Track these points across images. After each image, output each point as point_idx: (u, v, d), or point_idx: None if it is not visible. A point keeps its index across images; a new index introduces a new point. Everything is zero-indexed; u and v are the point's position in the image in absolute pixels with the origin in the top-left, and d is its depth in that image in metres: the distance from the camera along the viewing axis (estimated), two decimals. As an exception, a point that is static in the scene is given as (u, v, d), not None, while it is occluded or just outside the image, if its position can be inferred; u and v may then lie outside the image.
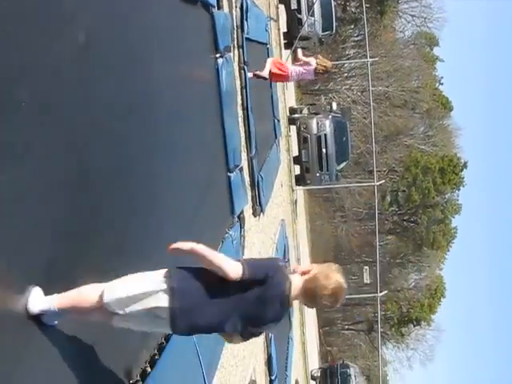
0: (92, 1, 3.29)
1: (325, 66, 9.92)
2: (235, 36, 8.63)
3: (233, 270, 3.19)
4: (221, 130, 6.83)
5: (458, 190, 41.38)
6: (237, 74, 8.33)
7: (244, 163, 8.27)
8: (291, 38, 21.42)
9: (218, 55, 6.75)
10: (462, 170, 39.70)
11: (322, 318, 42.70)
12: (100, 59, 3.29)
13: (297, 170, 21.57)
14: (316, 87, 36.47)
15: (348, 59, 36.63)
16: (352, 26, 38.82)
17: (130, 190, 3.70)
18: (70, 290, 3.03)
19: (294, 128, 20.95)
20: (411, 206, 40.90)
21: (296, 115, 21.30)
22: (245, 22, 9.23)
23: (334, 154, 20.08)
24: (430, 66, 43.00)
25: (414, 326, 42.09)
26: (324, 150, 19.87)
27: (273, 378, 9.45)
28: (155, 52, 4.51)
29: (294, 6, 22.09)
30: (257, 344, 8.41)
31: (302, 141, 20.21)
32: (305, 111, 22.20)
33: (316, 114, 21.12)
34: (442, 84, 44.79)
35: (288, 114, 20.57)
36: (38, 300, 2.93)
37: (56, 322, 3.00)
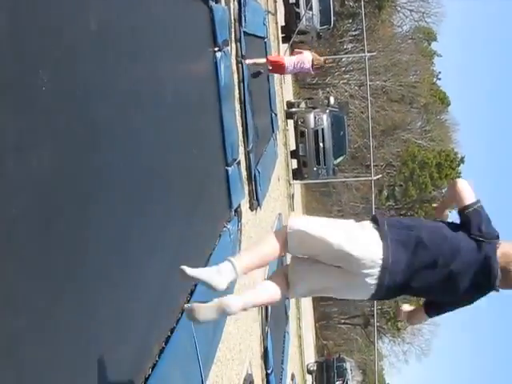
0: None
1: (318, 62, 10.29)
2: (233, 30, 8.62)
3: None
4: (219, 123, 6.83)
5: (455, 185, 41.43)
6: (234, 67, 8.33)
7: (241, 157, 8.28)
8: (289, 32, 21.42)
9: (216, 49, 6.75)
10: (458, 165, 39.75)
11: (318, 311, 42.80)
12: (91, 55, 3.28)
13: (294, 164, 21.58)
14: (314, 81, 36.47)
15: (346, 53, 36.63)
16: (350, 21, 38.81)
17: (127, 184, 3.71)
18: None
19: (291, 122, 20.96)
20: (408, 200, 40.96)
21: (293, 109, 21.32)
22: (243, 16, 9.23)
23: (331, 148, 20.10)
24: (427, 61, 43.03)
25: (410, 320, 42.15)
26: (321, 145, 19.90)
27: (269, 371, 9.47)
28: (152, 45, 4.51)
29: (292, -1, 22.10)
30: (253, 338, 8.44)
31: (300, 135, 20.23)
32: (302, 105, 22.21)
33: (313, 108, 21.15)
34: (439, 79, 44.87)
35: (285, 108, 20.58)
36: None
37: None
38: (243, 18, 9.23)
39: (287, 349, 13.33)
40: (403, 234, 3.08)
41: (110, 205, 3.36)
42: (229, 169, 7.04)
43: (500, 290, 3.17)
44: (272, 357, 9.61)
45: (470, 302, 3.25)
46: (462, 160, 39.93)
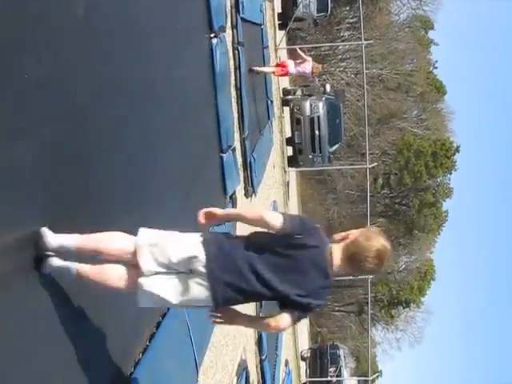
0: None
1: (317, 70, 12.66)
2: (229, 16, 8.59)
3: (275, 218, 3.17)
4: (214, 110, 6.82)
5: (450, 173, 41.49)
6: (231, 54, 8.30)
7: (237, 144, 8.27)
8: (286, 19, 21.33)
9: (212, 35, 6.73)
10: (454, 154, 39.75)
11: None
12: (93, 37, 3.28)
13: (289, 151, 21.56)
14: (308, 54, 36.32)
15: (342, 41, 36.52)
16: (347, 8, 38.64)
17: (122, 171, 3.71)
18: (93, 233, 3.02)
19: (287, 109, 20.91)
20: (403, 189, 41.02)
21: (289, 97, 21.25)
22: (239, 2, 9.19)
23: (326, 135, 20.07)
24: (424, 50, 42.92)
25: (404, 308, 42.39)
26: (317, 132, 19.86)
27: (263, 357, 9.52)
28: (149, 31, 4.50)
29: (289, -14, 21.99)
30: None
31: (295, 122, 20.18)
32: (298, 93, 22.14)
33: (309, 95, 21.08)
34: (436, 68, 44.75)
35: (281, 96, 20.53)
36: (57, 236, 2.90)
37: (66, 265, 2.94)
38: (240, 5, 9.19)
39: (281, 335, 13.39)
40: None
41: (106, 193, 3.37)
42: (224, 155, 7.05)
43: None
44: (266, 343, 9.66)
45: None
46: (457, 149, 39.92)
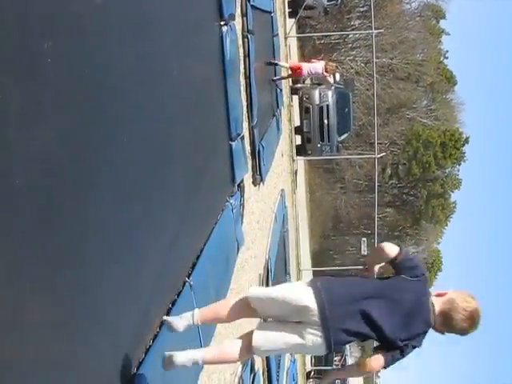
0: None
1: (331, 67, 14.21)
2: (239, 3, 8.56)
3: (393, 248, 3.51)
4: (224, 98, 6.82)
5: (459, 164, 41.42)
6: (240, 42, 8.29)
7: (245, 132, 8.27)
8: (296, 7, 21.26)
9: (222, 23, 6.71)
10: (463, 145, 39.67)
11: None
12: (97, 28, 3.28)
13: (298, 140, 21.54)
14: (320, 57, 36.24)
15: (353, 30, 36.39)
16: (358, -3, 38.45)
17: (130, 158, 3.72)
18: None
19: (296, 98, 20.88)
20: (411, 179, 40.96)
21: (299, 85, 21.21)
22: (250, -10, 9.16)
23: (335, 125, 20.04)
24: (435, 39, 42.72)
25: (410, 298, 42.40)
26: (326, 121, 19.84)
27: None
28: (158, 19, 4.49)
29: (299, -26, 21.86)
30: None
31: (304, 111, 20.16)
32: (308, 81, 22.10)
33: (319, 84, 21.03)
34: (446, 58, 44.54)
35: (291, 84, 20.49)
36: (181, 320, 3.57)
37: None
38: (250, -8, 9.16)
39: (287, 324, 13.41)
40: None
41: (112, 179, 3.38)
42: (232, 143, 7.05)
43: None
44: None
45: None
46: (466, 140, 39.82)
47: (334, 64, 14.25)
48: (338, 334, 3.29)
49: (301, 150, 21.44)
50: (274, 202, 11.95)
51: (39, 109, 2.53)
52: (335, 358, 27.43)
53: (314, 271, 34.32)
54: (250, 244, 7.95)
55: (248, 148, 8.65)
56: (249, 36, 8.76)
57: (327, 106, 19.75)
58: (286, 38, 19.23)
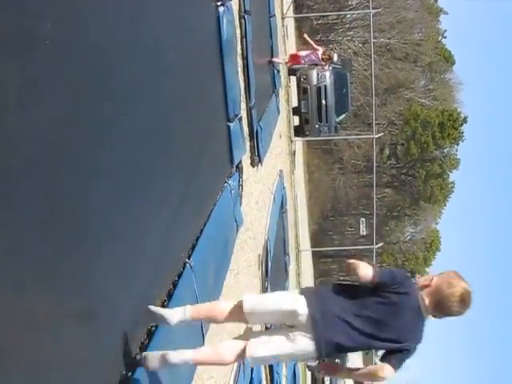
0: None
1: (329, 56, 13.43)
2: (236, -17, 8.52)
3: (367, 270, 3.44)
4: (221, 79, 6.80)
5: (457, 144, 41.38)
6: (237, 22, 8.24)
7: (243, 113, 8.26)
8: (293, -13, 21.10)
9: (218, 3, 6.68)
10: (461, 125, 39.61)
11: (318, 268, 43.16)
12: (94, 9, 3.27)
13: (296, 120, 21.50)
14: (317, 38, 36.06)
15: (350, 10, 36.17)
16: (355, -24, 38.18)
17: (129, 140, 3.72)
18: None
19: (294, 79, 20.80)
20: (409, 159, 40.97)
21: (296, 66, 21.13)
22: (246, -31, 9.09)
23: (333, 105, 19.98)
24: (433, 19, 42.51)
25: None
26: (323, 102, 19.77)
27: (269, 326, 9.60)
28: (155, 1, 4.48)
29: (296, -47, 21.70)
30: (252, 292, 8.54)
31: (302, 92, 20.07)
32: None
33: (316, 65, 20.94)
34: (445, 37, 44.32)
35: (288, 65, 20.41)
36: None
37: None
38: (247, -28, 9.09)
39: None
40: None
41: (111, 163, 3.39)
42: (230, 124, 7.04)
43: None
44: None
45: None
46: (464, 120, 39.75)
47: (335, 53, 15.15)
48: (329, 343, 3.40)
49: (299, 131, 21.40)
50: (272, 182, 11.96)
51: (37, 91, 2.54)
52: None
53: (313, 251, 34.44)
54: (249, 225, 7.97)
55: (246, 129, 8.64)
56: (246, 16, 8.71)
57: (325, 86, 19.67)
58: (283, 19, 19.14)
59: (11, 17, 2.34)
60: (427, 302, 3.43)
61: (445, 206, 44.72)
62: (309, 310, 3.38)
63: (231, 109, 7.05)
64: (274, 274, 10.46)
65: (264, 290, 9.50)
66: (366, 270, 3.43)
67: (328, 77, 19.64)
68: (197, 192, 5.41)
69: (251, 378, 7.27)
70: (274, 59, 13.62)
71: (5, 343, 2.24)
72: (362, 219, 28.45)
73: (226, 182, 6.58)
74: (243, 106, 8.36)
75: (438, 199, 41.73)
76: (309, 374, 24.77)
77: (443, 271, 3.59)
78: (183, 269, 4.63)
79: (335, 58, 19.65)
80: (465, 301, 3.40)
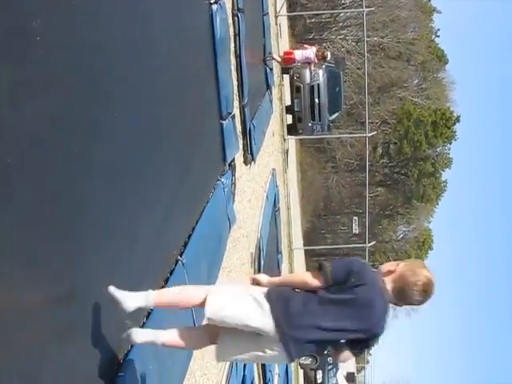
0: None
1: (322, 54, 13.67)
2: (229, -19, 8.51)
3: (314, 279, 3.34)
4: (214, 77, 6.81)
5: (450, 143, 41.49)
6: (230, 21, 8.25)
7: (236, 111, 8.27)
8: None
9: (212, 1, 6.68)
10: (454, 124, 39.69)
11: (310, 267, 43.14)
12: (87, 6, 3.28)
13: (289, 119, 21.51)
14: (310, 36, 36.11)
15: (344, 8, 36.19)
16: (349, -25, 38.20)
17: (122, 137, 3.73)
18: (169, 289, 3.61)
19: (287, 77, 20.80)
20: (402, 158, 41.06)
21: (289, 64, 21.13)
22: (239, -33, 9.09)
23: (326, 104, 19.99)
24: (426, 18, 42.58)
25: (401, 277, 42.69)
26: (317, 100, 19.77)
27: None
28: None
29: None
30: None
31: (295, 90, 20.07)
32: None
33: (309, 63, 20.96)
34: (438, 36, 44.40)
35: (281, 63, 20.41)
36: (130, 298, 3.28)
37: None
38: (240, -30, 9.09)
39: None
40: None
41: (105, 158, 3.39)
42: (223, 122, 7.05)
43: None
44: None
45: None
46: (457, 119, 39.85)
47: (328, 52, 15.39)
48: (298, 346, 3.31)
49: (292, 130, 21.40)
50: (265, 181, 11.97)
51: (28, 87, 2.54)
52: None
53: (305, 250, 34.47)
54: (242, 223, 7.99)
55: (239, 127, 8.65)
56: (239, 14, 8.71)
57: (318, 85, 19.68)
58: (276, 17, 19.13)
59: (1, 14, 2.35)
60: (389, 288, 3.39)
61: (437, 204, 44.85)
62: (273, 315, 3.25)
63: (224, 107, 7.06)
64: (266, 272, 10.43)
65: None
66: (311, 280, 3.35)
67: (321, 75, 19.65)
68: (189, 189, 5.42)
69: (244, 375, 7.29)
70: (274, 56, 13.89)
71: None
72: (354, 218, 28.49)
73: (218, 180, 6.58)
74: (236, 104, 8.37)
75: (430, 198, 41.84)
76: (301, 371, 24.81)
77: (409, 260, 3.59)
78: (175, 266, 4.64)
79: (329, 56, 19.70)
80: (427, 291, 3.38)
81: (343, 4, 37.68)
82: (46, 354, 2.66)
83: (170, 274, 4.53)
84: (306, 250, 34.84)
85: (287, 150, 21.89)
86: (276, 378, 11.69)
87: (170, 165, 4.87)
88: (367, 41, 24.49)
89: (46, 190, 2.68)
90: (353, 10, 34.19)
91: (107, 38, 3.51)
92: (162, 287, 4.31)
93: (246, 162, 9.34)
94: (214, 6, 6.67)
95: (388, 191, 43.58)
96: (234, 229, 7.36)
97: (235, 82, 8.36)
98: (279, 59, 15.02)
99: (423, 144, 39.03)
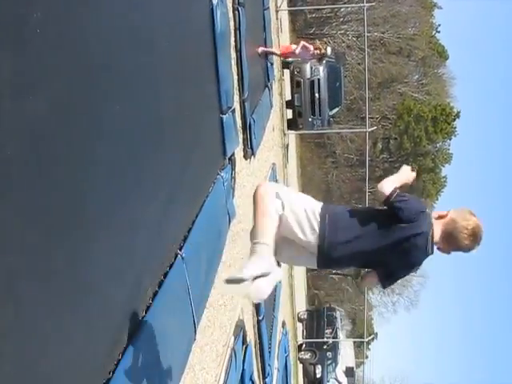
0: None
1: (320, 50, 14.50)
2: (230, -25, 8.49)
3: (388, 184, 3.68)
4: (214, 71, 6.79)
5: (450, 139, 41.42)
6: (231, 14, 8.23)
7: (236, 106, 8.26)
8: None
9: (212, -5, 6.66)
10: (454, 120, 39.61)
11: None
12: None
13: (289, 114, 21.50)
14: (311, 31, 36.06)
15: (344, 3, 36.08)
16: (349, -31, 38.10)
17: (121, 131, 3.72)
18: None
19: (287, 72, 20.79)
20: (402, 153, 40.99)
21: (290, 59, 21.11)
22: (240, -40, 9.06)
23: (326, 99, 19.99)
24: (427, 13, 42.45)
25: (400, 272, 42.68)
26: (317, 95, 19.77)
27: (260, 318, 9.63)
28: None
29: None
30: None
31: (295, 85, 20.07)
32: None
33: (312, 55, 20.90)
34: (438, 32, 44.25)
35: (282, 58, 20.38)
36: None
37: None
38: (241, -36, 9.07)
39: (279, 297, 13.54)
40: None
41: (105, 152, 3.39)
42: (223, 116, 7.04)
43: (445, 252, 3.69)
44: (264, 304, 9.77)
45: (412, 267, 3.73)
46: (457, 115, 39.76)
47: (329, 47, 15.32)
48: (333, 248, 3.48)
49: (292, 124, 21.40)
50: (265, 175, 11.97)
51: (28, 79, 2.53)
52: (326, 331, 27.63)
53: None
54: (242, 217, 7.98)
55: (239, 121, 8.64)
56: (239, 9, 8.70)
57: (318, 80, 19.67)
58: (277, 12, 19.10)
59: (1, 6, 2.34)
60: (439, 231, 3.53)
61: (437, 200, 44.81)
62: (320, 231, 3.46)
63: (224, 101, 7.05)
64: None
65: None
66: (387, 184, 3.72)
67: (321, 70, 19.64)
68: (189, 184, 5.42)
69: (243, 369, 7.30)
70: (273, 50, 13.91)
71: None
72: (354, 213, 28.38)
73: (218, 174, 6.58)
74: (236, 98, 8.36)
75: (430, 193, 41.78)
76: (300, 366, 24.86)
77: (459, 207, 3.69)
78: (175, 260, 4.64)
79: (329, 51, 19.67)
80: (476, 235, 3.50)
81: (344, -1, 37.61)
82: (44, 349, 2.66)
83: (170, 267, 4.54)
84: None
85: (287, 145, 21.88)
86: (275, 372, 11.71)
87: (170, 159, 4.86)
88: (368, 36, 24.45)
89: (43, 184, 2.67)
90: (353, 5, 34.06)
91: (106, 32, 3.50)
92: (161, 282, 4.32)
93: (245, 157, 9.33)
94: (215, 0, 6.65)
95: (388, 186, 43.49)
96: (234, 223, 7.36)
97: (235, 77, 8.35)
98: (278, 52, 15.04)
99: (423, 139, 38.98)
